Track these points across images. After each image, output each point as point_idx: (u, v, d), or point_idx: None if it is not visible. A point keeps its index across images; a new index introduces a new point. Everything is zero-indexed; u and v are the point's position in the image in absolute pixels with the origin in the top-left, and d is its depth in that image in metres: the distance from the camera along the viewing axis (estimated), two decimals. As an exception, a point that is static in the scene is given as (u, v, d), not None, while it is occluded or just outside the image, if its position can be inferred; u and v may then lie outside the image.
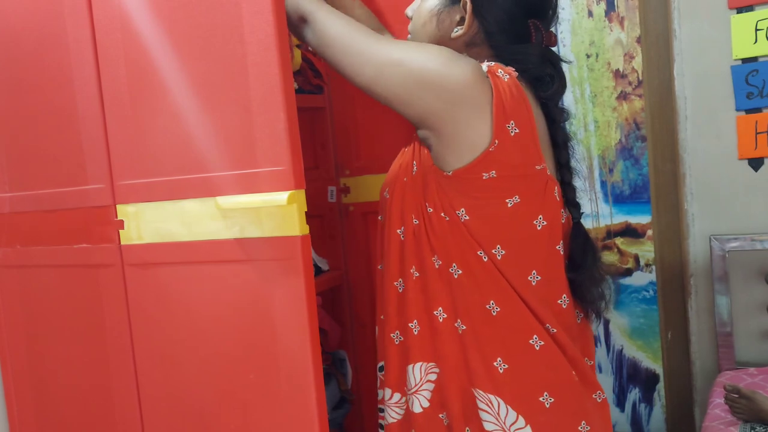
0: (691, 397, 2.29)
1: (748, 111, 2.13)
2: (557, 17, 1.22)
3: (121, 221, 1.28)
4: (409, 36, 1.27)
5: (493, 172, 1.08)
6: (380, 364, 1.28)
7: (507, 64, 1.13)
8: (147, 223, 1.25)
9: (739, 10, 2.10)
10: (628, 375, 2.36)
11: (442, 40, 1.18)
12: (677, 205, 2.23)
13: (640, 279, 2.32)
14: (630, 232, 2.32)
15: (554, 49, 1.21)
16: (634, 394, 2.36)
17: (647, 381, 2.34)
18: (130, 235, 1.28)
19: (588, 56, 2.30)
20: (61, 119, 1.34)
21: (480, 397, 1.11)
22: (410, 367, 1.17)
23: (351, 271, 1.67)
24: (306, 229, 1.09)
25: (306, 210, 1.09)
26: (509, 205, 1.10)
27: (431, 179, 1.13)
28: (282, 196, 1.07)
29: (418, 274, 1.16)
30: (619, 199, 2.32)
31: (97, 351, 1.37)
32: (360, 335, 1.68)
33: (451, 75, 1.08)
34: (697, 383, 2.27)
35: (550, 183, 1.14)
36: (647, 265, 2.30)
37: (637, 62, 2.24)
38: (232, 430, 1.21)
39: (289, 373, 1.13)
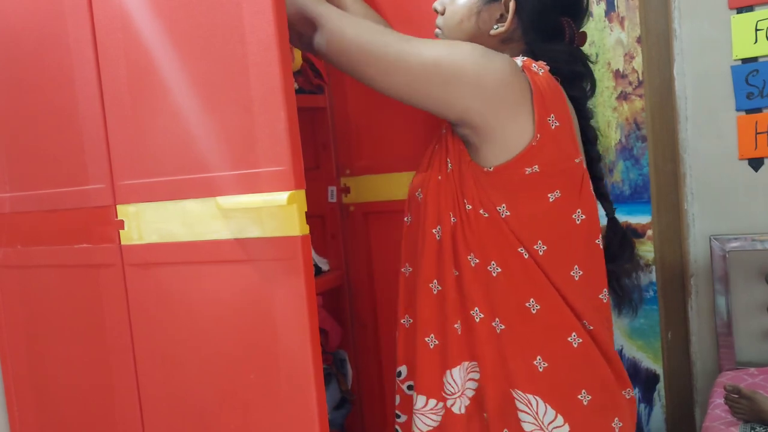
0: (691, 398, 2.28)
1: (749, 111, 2.13)
2: (588, 17, 1.22)
3: (122, 221, 1.28)
4: (437, 31, 1.24)
5: (536, 166, 1.07)
6: (400, 368, 1.26)
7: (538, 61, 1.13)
8: (147, 223, 1.25)
9: (739, 10, 2.10)
10: (628, 375, 2.36)
11: (479, 36, 1.17)
12: (677, 205, 2.23)
13: (640, 279, 2.32)
14: (630, 232, 2.32)
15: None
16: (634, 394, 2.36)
17: (647, 381, 2.34)
18: (130, 235, 1.28)
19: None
20: (61, 119, 1.34)
21: (518, 398, 1.10)
22: (449, 372, 1.15)
23: (351, 272, 1.67)
24: (306, 229, 1.09)
25: (306, 210, 1.09)
26: (551, 200, 1.09)
27: (469, 175, 1.11)
28: (282, 196, 1.07)
29: (457, 273, 1.14)
30: (619, 199, 2.32)
31: (97, 351, 1.37)
32: (360, 335, 1.68)
33: (489, 71, 1.06)
34: (698, 383, 2.27)
35: (586, 176, 1.14)
36: (647, 265, 2.30)
37: (638, 62, 2.24)
38: (232, 430, 1.21)
39: (289, 373, 1.13)
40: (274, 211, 1.10)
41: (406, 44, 1.09)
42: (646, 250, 2.30)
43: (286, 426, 1.15)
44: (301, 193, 1.08)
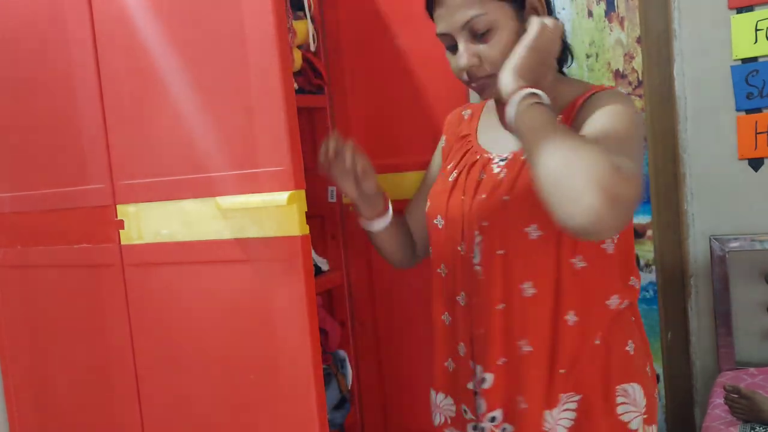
0: (691, 398, 2.28)
1: (748, 111, 2.12)
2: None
3: (122, 221, 1.29)
4: (484, 81, 1.08)
5: None
6: (495, 413, 1.15)
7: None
8: (147, 223, 1.25)
9: (739, 10, 2.10)
10: (628, 375, 2.36)
11: None
12: (677, 205, 2.23)
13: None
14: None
15: None
16: (634, 394, 2.36)
17: (647, 381, 2.33)
18: (130, 235, 1.28)
19: (588, 56, 2.30)
20: (61, 119, 1.34)
21: (619, 393, 1.12)
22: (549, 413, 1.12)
23: (351, 272, 1.67)
24: (306, 229, 1.09)
25: (306, 210, 1.09)
26: None
27: None
28: (282, 196, 1.07)
29: (577, 319, 1.11)
30: (619, 199, 2.31)
31: (97, 351, 1.37)
32: (360, 335, 1.68)
33: (640, 125, 1.09)
34: (697, 383, 2.27)
35: None
36: (647, 265, 2.30)
37: (637, 62, 2.24)
38: (232, 431, 1.21)
39: (289, 373, 1.13)
40: (273, 211, 1.10)
41: (630, 153, 1.03)
42: (646, 250, 2.30)
43: (286, 426, 1.15)
44: (301, 193, 1.08)
